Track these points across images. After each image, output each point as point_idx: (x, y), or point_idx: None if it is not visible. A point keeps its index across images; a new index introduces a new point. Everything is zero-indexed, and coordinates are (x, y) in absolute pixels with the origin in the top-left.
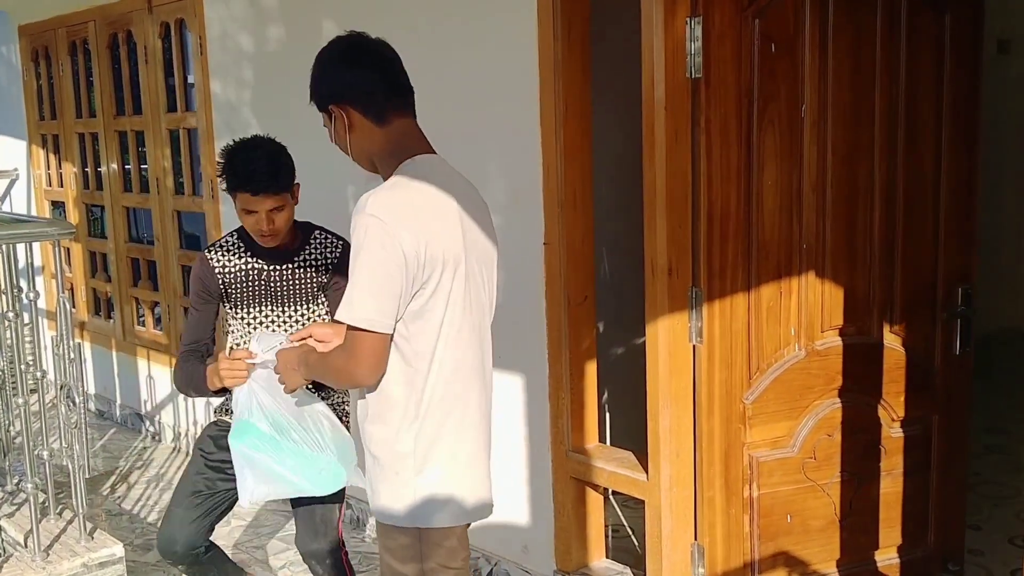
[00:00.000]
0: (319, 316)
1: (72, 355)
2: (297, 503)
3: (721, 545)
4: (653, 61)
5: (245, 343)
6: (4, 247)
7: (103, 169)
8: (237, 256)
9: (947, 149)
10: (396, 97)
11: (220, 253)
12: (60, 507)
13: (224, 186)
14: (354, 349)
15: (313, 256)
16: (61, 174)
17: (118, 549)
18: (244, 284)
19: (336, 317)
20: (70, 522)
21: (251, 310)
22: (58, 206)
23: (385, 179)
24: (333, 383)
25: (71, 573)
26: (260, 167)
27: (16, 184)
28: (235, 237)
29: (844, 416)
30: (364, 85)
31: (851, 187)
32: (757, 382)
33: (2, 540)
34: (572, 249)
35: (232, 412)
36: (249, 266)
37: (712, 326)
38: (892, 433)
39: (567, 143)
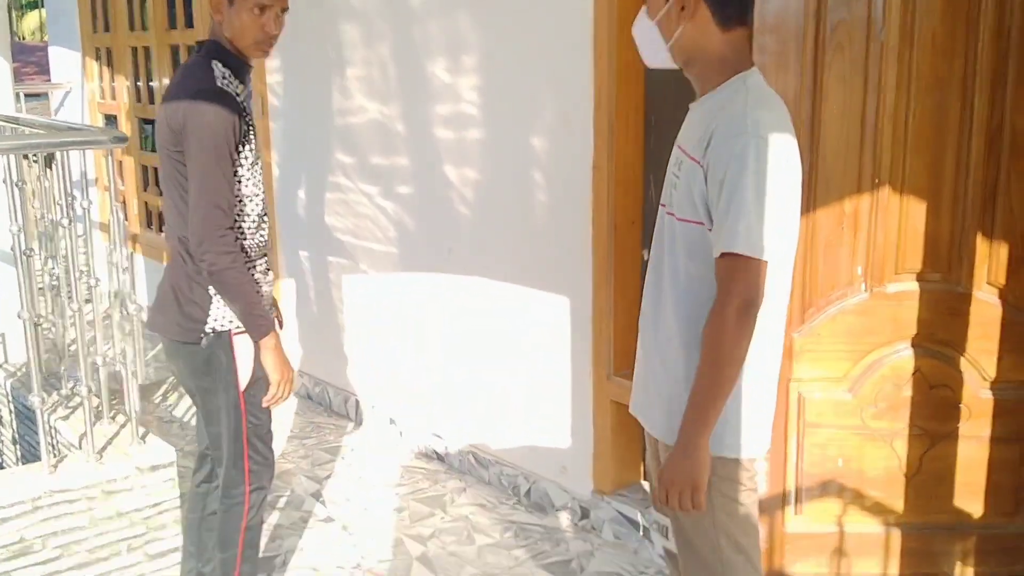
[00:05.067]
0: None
1: (125, 264)
2: None
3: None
4: None
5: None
6: (58, 155)
7: (155, 83)
8: (236, 85)
9: None
10: (748, 7)
11: (227, 84)
12: (113, 412)
13: None
14: (760, 280)
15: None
16: (114, 87)
17: (169, 453)
18: (251, 119)
19: (727, 248)
20: (123, 426)
21: (255, 152)
22: (111, 119)
23: (702, 85)
24: (742, 353)
25: (124, 475)
26: None
27: (70, 96)
28: (219, 65)
29: (916, 367)
30: None
31: (940, 121)
32: (811, 318)
33: (57, 441)
34: (621, 174)
35: None
36: (246, 94)
37: None
38: (981, 395)
39: (620, 65)
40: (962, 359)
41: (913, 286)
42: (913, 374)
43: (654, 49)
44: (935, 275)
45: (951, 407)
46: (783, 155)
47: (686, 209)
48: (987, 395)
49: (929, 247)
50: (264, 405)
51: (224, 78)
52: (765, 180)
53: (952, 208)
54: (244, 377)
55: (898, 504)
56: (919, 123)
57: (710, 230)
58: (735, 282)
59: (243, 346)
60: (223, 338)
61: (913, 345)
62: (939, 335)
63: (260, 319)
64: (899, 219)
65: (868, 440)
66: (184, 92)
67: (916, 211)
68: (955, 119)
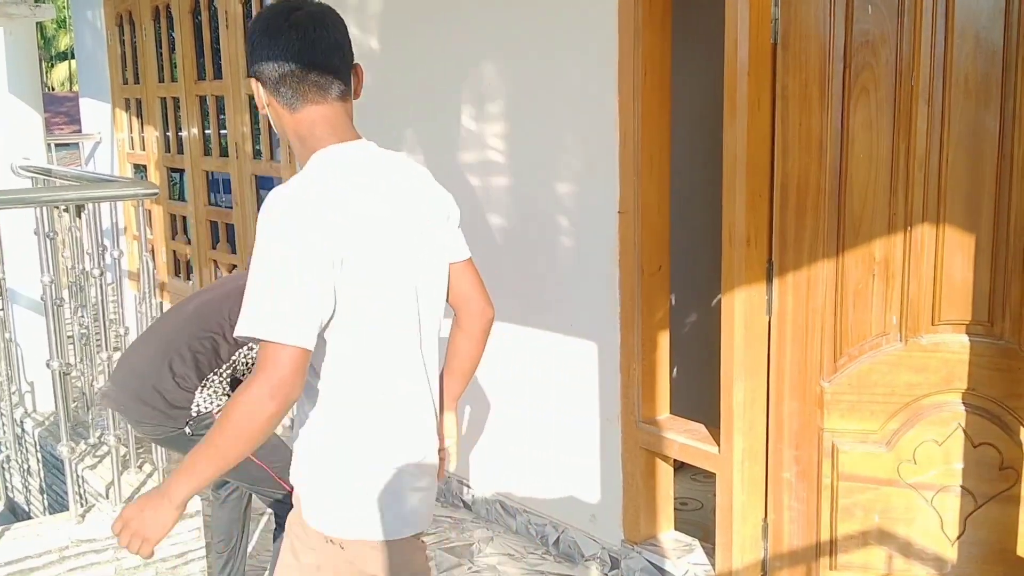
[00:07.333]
0: None
1: (154, 312)
2: None
3: (789, 527)
4: (737, 26)
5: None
6: (89, 206)
7: (184, 133)
8: None
9: None
10: (311, 87)
11: None
12: (140, 461)
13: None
14: (281, 363)
15: None
16: (143, 138)
17: (195, 502)
18: None
19: (238, 333)
20: (150, 475)
21: None
22: (140, 169)
23: (300, 166)
24: (249, 432)
25: None
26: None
27: (100, 147)
28: None
29: (958, 423)
30: (275, 71)
31: (975, 165)
32: (843, 367)
33: (84, 491)
34: (647, 218)
35: None
36: None
37: (784, 301)
38: None
39: (645, 110)
40: (1008, 416)
41: (952, 338)
42: (954, 430)
43: None
44: (976, 327)
45: (997, 467)
46: (302, 232)
47: None
48: None
49: (968, 298)
50: None
51: None
52: (279, 265)
53: (992, 257)
54: None
55: (944, 566)
56: (953, 168)
57: None
58: (259, 363)
59: None
60: None
61: (954, 400)
62: (982, 390)
63: None
64: (934, 267)
65: (906, 497)
66: None
67: (952, 260)
68: (991, 164)
